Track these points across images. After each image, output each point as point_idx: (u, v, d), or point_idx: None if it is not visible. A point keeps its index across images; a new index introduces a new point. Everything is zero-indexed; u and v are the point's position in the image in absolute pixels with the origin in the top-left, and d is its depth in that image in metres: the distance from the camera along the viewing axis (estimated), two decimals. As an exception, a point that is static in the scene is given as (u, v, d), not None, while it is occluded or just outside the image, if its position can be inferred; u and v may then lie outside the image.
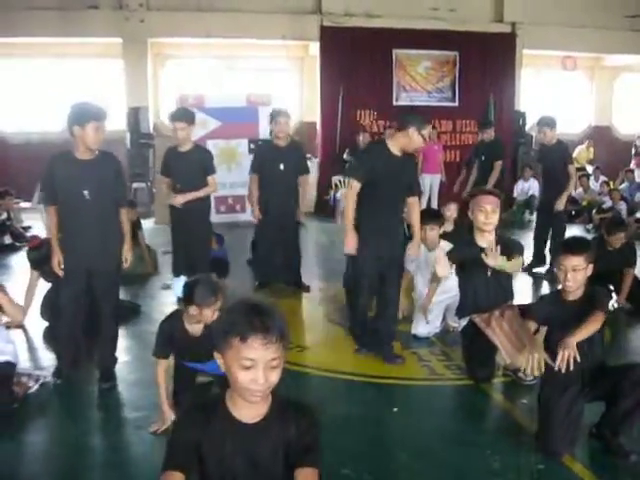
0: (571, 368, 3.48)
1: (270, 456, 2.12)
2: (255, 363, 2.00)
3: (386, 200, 5.01)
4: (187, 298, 3.95)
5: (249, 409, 2.12)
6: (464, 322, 4.86)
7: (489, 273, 4.66)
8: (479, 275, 4.70)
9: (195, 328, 4.04)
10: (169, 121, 6.62)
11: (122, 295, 7.15)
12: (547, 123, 8.11)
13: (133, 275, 7.86)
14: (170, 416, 3.83)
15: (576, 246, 3.82)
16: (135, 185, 13.21)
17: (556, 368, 3.52)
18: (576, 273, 3.70)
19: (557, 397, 3.57)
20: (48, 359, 5.09)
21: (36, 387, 4.38)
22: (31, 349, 5.40)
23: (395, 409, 4.22)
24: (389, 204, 5.06)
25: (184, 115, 6.50)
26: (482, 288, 4.69)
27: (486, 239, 4.68)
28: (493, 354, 4.52)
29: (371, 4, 14.05)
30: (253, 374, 2.00)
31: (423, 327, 5.74)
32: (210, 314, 3.92)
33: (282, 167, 6.94)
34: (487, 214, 4.63)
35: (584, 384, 3.61)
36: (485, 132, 10.00)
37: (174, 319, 4.11)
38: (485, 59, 14.55)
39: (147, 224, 10.94)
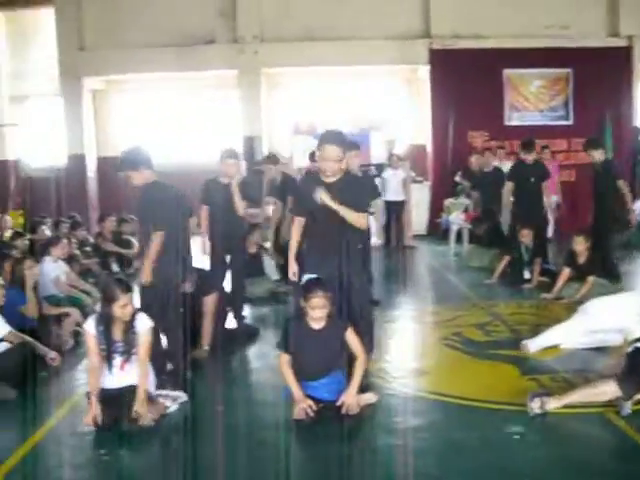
0: None
1: None
2: None
3: None
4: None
5: None
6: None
7: None
8: None
9: (124, 312, 4.23)
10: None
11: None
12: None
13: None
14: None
15: None
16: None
17: None
18: None
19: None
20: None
21: (175, 407, 4.58)
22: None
23: (516, 436, 4.16)
24: None
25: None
26: None
27: None
28: None
29: (480, 25, 14.02)
30: None
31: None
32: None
33: None
34: None
35: None
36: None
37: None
38: (600, 75, 13.99)
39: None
